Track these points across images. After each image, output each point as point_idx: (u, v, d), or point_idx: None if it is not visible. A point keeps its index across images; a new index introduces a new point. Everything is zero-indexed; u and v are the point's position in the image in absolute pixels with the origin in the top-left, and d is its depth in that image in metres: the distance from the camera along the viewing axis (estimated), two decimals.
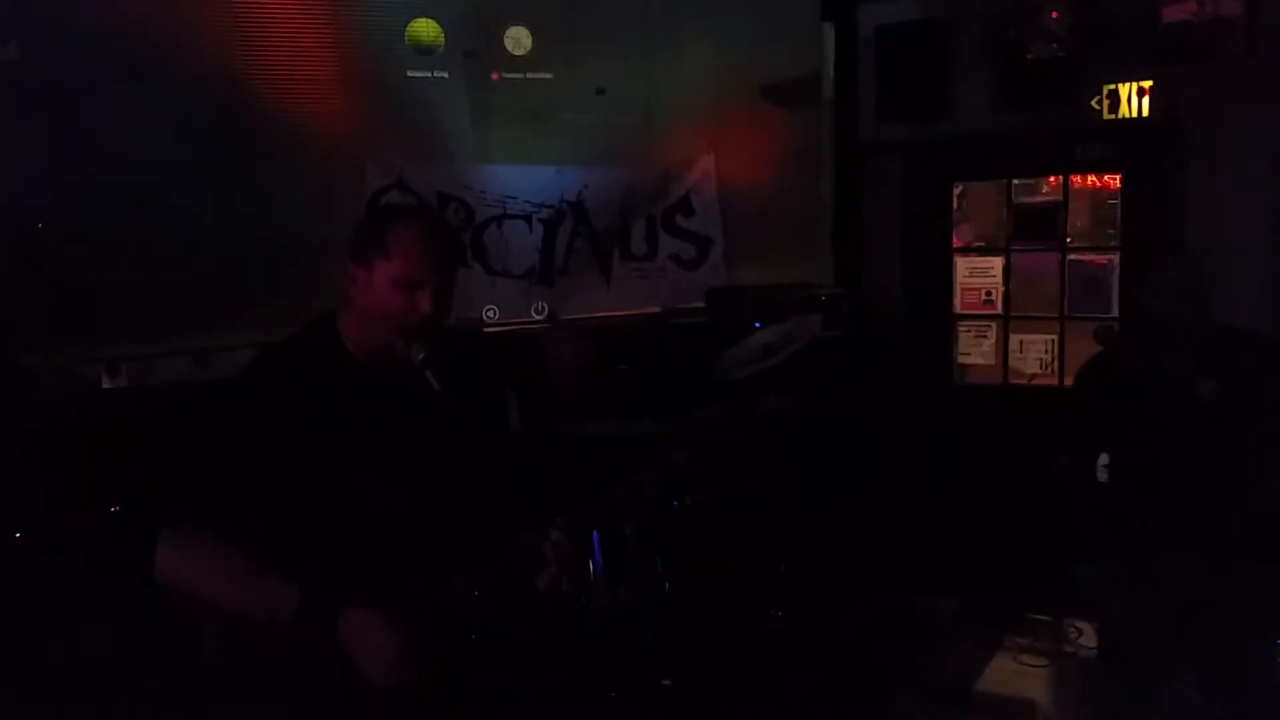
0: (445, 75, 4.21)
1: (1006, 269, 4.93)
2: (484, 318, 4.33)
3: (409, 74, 4.13)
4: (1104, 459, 3.14)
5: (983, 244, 5.02)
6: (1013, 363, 4.95)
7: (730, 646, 3.14)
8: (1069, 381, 3.67)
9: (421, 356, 1.91)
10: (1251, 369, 2.97)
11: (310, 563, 1.83)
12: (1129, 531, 3.02)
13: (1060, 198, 4.79)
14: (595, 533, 3.01)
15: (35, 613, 2.85)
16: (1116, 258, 4.67)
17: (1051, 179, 4.82)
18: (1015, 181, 4.89)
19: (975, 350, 5.04)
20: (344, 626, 1.78)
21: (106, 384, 3.58)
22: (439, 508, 1.97)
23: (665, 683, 2.91)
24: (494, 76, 4.32)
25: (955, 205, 5.05)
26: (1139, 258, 4.56)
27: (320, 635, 1.77)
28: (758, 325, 3.93)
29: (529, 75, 4.37)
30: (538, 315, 4.45)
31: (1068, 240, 4.78)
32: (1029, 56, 4.53)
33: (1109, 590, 3.18)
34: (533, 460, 2.31)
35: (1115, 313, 4.65)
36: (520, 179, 4.40)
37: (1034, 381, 4.86)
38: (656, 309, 4.69)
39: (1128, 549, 3.02)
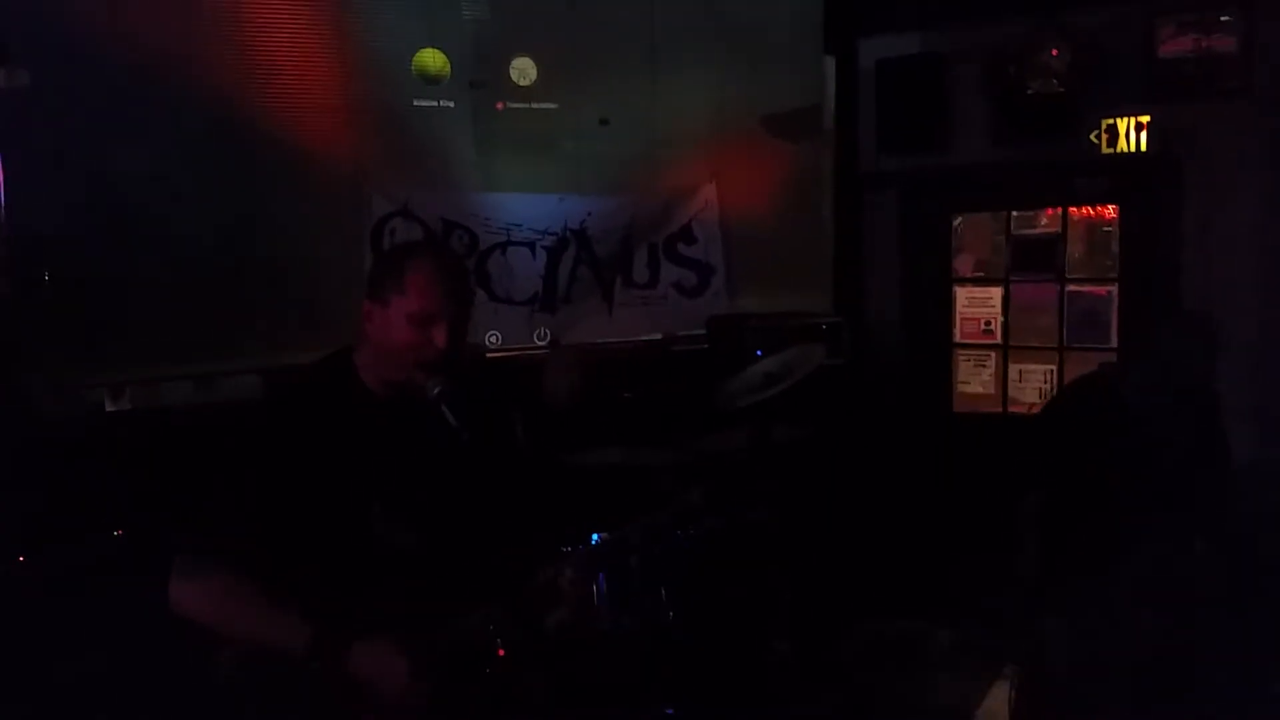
0: (451, 104, 4.24)
1: (1005, 299, 4.98)
2: (487, 343, 4.35)
3: (415, 103, 4.16)
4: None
5: (982, 274, 5.07)
6: (1012, 392, 4.98)
7: (734, 675, 3.14)
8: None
9: (437, 390, 1.93)
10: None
11: (325, 595, 1.85)
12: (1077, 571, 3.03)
13: (1059, 229, 4.85)
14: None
15: (36, 636, 2.84)
16: (1114, 289, 4.72)
17: (1050, 211, 4.88)
18: (1014, 213, 4.94)
19: (975, 379, 5.07)
20: (354, 657, 1.82)
21: (110, 407, 3.58)
22: (453, 539, 1.99)
23: (669, 711, 2.90)
24: (499, 106, 4.35)
25: (955, 236, 5.10)
26: (1138, 291, 4.62)
27: (333, 667, 1.81)
28: (759, 353, 3.95)
29: (534, 105, 4.40)
30: (540, 341, 4.47)
31: (1066, 271, 4.83)
32: (1029, 91, 4.59)
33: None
34: (542, 490, 2.32)
35: (1114, 343, 4.70)
36: (524, 207, 4.42)
37: (1034, 411, 4.88)
38: (658, 336, 4.71)
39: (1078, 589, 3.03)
